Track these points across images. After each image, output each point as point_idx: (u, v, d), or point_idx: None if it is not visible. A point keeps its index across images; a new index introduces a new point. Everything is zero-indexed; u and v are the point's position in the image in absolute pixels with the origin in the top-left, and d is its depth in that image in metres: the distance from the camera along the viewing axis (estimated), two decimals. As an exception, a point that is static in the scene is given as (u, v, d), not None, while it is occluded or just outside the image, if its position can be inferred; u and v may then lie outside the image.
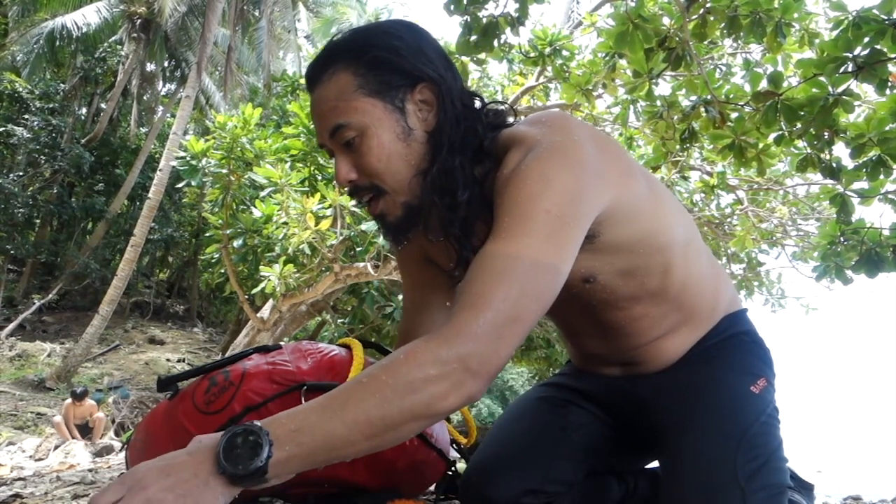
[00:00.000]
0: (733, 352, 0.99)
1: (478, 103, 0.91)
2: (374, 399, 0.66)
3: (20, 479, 2.10)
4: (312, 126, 5.27)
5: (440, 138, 0.86)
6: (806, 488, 1.18)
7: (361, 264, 5.34)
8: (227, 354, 1.75)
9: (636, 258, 0.91)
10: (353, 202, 5.08)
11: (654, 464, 1.21)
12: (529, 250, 0.73)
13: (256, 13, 15.48)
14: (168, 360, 13.26)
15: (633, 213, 0.89)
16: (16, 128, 14.05)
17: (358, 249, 5.44)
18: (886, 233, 3.01)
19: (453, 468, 1.46)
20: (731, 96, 3.01)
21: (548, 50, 4.77)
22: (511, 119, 0.92)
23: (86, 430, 7.15)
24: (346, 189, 0.90)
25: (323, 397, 0.69)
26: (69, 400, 7.48)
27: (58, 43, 13.80)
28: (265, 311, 6.66)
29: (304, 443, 0.66)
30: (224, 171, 5.85)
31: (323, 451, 0.67)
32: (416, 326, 1.06)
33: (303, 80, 7.80)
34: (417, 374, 0.67)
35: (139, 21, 14.35)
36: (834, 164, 2.70)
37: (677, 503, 0.87)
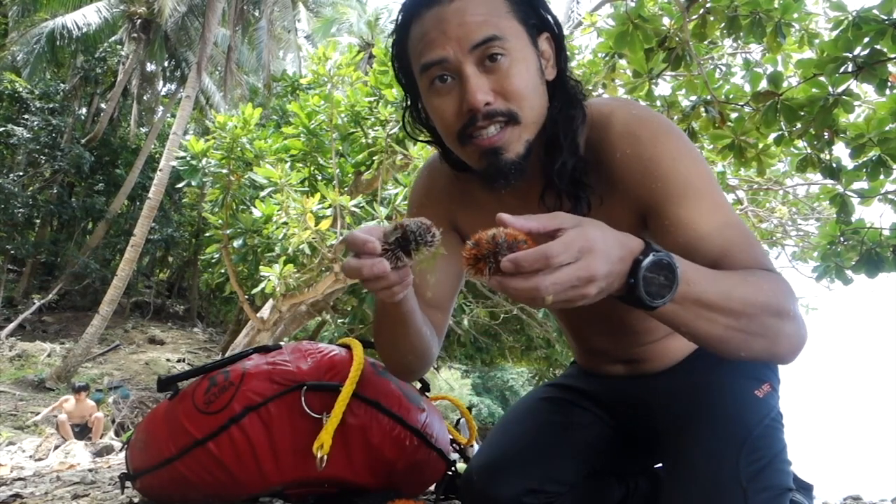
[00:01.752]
0: None
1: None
2: (748, 298, 0.71)
3: (20, 479, 2.10)
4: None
5: (563, 89, 0.86)
6: (806, 489, 1.18)
7: (361, 264, 5.34)
8: (227, 354, 1.75)
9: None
10: (353, 204, 5.07)
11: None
12: (735, 215, 0.83)
13: (256, 13, 15.48)
14: (168, 360, 13.25)
15: None
16: (16, 128, 14.06)
17: (358, 249, 5.43)
18: (886, 233, 3.01)
19: (453, 468, 1.46)
20: (731, 96, 3.01)
21: (548, 50, 4.77)
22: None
23: (85, 431, 7.15)
24: (467, 115, 0.81)
25: (709, 270, 0.71)
26: (67, 397, 7.49)
27: (58, 43, 13.81)
28: (265, 311, 6.66)
29: (688, 297, 0.67)
30: (224, 171, 5.85)
31: (692, 306, 0.68)
32: (428, 283, 1.02)
33: (302, 81, 7.78)
34: (783, 307, 0.73)
35: (139, 21, 14.36)
36: (834, 164, 2.70)
37: (679, 502, 0.87)
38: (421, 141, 1.03)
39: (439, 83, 0.82)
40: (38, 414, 8.20)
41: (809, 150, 2.73)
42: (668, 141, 0.84)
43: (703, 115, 2.93)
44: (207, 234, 6.94)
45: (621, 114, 0.87)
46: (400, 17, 0.87)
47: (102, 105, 17.01)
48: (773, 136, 2.70)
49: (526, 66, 0.81)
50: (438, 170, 1.04)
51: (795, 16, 2.54)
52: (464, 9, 0.79)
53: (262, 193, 5.38)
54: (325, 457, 1.17)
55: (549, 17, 0.86)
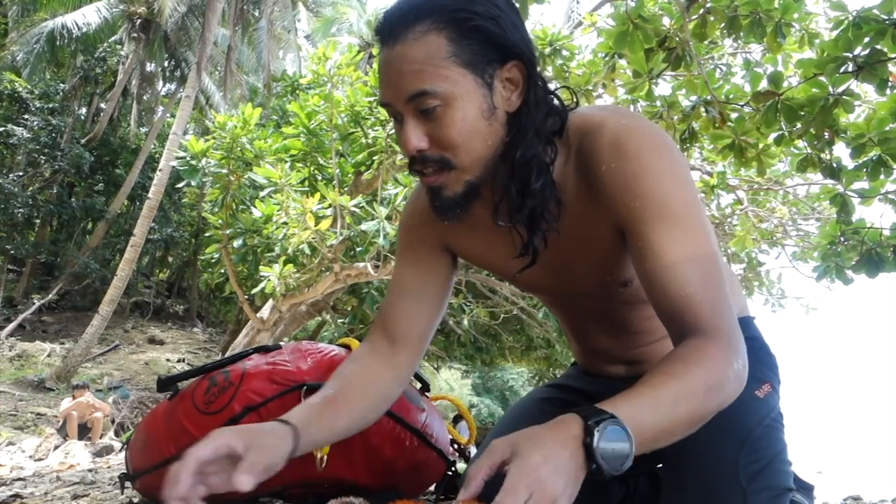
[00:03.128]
0: None
1: (551, 86, 0.89)
2: (691, 399, 0.72)
3: (20, 479, 2.10)
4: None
5: (522, 121, 0.84)
6: (806, 489, 1.18)
7: (361, 264, 5.35)
8: (227, 354, 1.75)
9: None
10: (353, 204, 5.08)
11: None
12: (708, 247, 0.81)
13: (256, 13, 15.48)
14: (168, 360, 13.25)
15: None
16: (16, 128, 14.05)
17: (358, 249, 5.44)
18: (886, 233, 3.01)
19: (453, 468, 1.46)
20: (731, 96, 3.01)
21: (548, 50, 4.76)
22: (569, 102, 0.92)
23: (85, 431, 7.16)
24: (407, 157, 0.85)
25: (643, 394, 0.72)
26: (70, 398, 7.49)
27: (58, 43, 13.81)
28: (265, 311, 6.66)
29: (646, 438, 0.69)
30: (224, 171, 5.84)
31: (651, 443, 0.70)
32: (404, 311, 1.02)
33: (302, 81, 7.79)
34: (721, 376, 0.75)
35: (139, 21, 14.36)
36: (834, 164, 2.70)
37: (679, 502, 0.86)
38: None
39: (396, 121, 0.85)
40: (38, 414, 8.20)
41: (809, 150, 2.73)
42: (654, 158, 0.82)
43: (704, 115, 2.93)
44: (207, 234, 6.94)
45: (611, 124, 0.85)
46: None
47: (102, 105, 17.01)
48: (773, 136, 2.70)
49: (462, 113, 0.80)
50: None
51: (795, 16, 2.54)
52: (402, 55, 0.79)
53: (262, 193, 5.38)
54: (325, 457, 1.17)
55: (517, 43, 0.82)
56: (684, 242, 0.79)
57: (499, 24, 0.80)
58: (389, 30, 0.81)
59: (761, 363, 0.99)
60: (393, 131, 5.38)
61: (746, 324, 1.06)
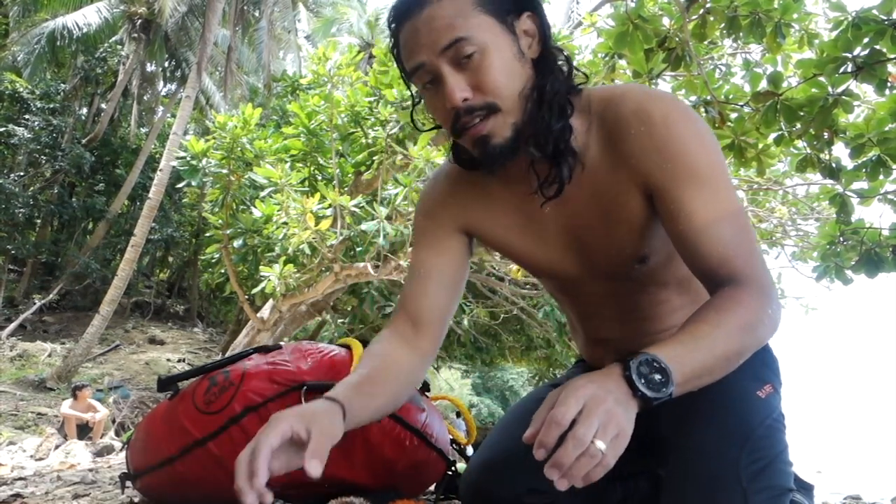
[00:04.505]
0: None
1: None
2: (727, 338, 0.78)
3: (21, 478, 2.10)
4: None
5: (545, 65, 0.89)
6: (806, 489, 1.18)
7: (361, 264, 5.35)
8: (228, 354, 1.75)
9: None
10: (353, 204, 5.08)
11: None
12: (736, 204, 0.87)
13: (256, 13, 15.49)
14: (168, 360, 13.25)
15: None
16: (16, 128, 14.05)
17: (358, 249, 5.44)
18: (886, 233, 3.00)
19: (453, 468, 1.46)
20: (731, 96, 3.01)
21: (548, 50, 4.77)
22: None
23: (86, 430, 7.16)
24: (450, 113, 0.87)
25: (678, 339, 0.77)
26: (71, 401, 7.48)
27: (58, 43, 13.81)
28: (265, 311, 6.66)
29: (685, 372, 0.74)
30: (224, 171, 5.85)
31: (693, 380, 0.76)
32: (426, 295, 1.03)
33: (302, 81, 7.77)
34: (753, 318, 0.80)
35: (139, 21, 14.36)
36: (834, 164, 2.70)
37: (679, 501, 0.87)
38: (428, 130, 1.10)
39: (429, 86, 0.88)
40: (38, 414, 8.20)
41: (809, 150, 2.73)
42: (679, 123, 0.87)
43: (703, 115, 2.93)
44: (207, 234, 6.94)
45: (634, 94, 0.90)
46: (391, 28, 0.92)
47: (103, 105, 17.01)
48: (772, 136, 2.70)
49: (499, 55, 0.85)
50: (444, 176, 1.09)
51: (795, 16, 2.54)
52: (431, 16, 0.84)
53: (262, 193, 5.38)
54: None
55: None
56: (715, 202, 0.85)
57: None
58: (413, 2, 0.86)
59: (764, 365, 1.00)
60: (393, 131, 5.41)
61: None
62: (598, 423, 0.67)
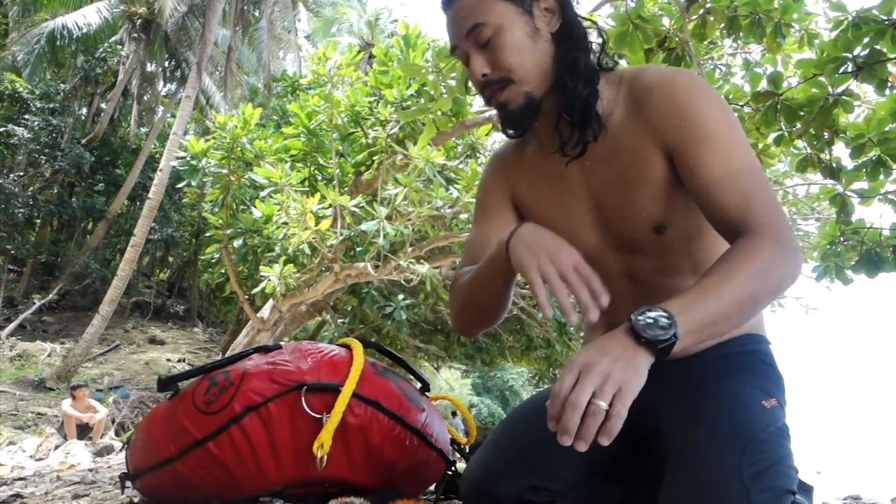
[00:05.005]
0: (751, 368, 1.00)
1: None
2: (739, 282, 0.82)
3: (21, 478, 2.10)
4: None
5: (565, 36, 1.00)
6: (806, 490, 1.18)
7: (361, 264, 5.35)
8: (228, 354, 1.75)
9: (703, 221, 0.99)
10: (353, 204, 5.08)
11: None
12: (753, 159, 0.94)
13: (256, 13, 15.48)
14: (168, 360, 13.25)
15: None
16: (16, 128, 14.05)
17: (358, 249, 5.45)
18: (886, 233, 3.00)
19: (453, 468, 1.46)
20: (731, 96, 3.01)
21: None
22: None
23: (86, 430, 7.15)
24: (478, 85, 1.01)
25: (688, 292, 0.82)
26: (70, 400, 7.48)
27: (58, 43, 13.80)
28: (265, 311, 6.66)
29: (696, 319, 0.79)
30: (224, 171, 5.85)
31: (708, 326, 0.80)
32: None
33: (302, 81, 7.78)
34: (767, 262, 0.84)
35: (139, 21, 14.36)
36: (834, 164, 2.70)
37: (679, 499, 0.87)
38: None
39: (466, 65, 1.03)
40: (38, 414, 8.19)
41: (809, 150, 2.73)
42: (700, 90, 0.96)
43: (703, 115, 2.92)
44: (207, 234, 6.95)
45: (661, 68, 1.02)
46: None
47: (103, 105, 17.01)
48: (773, 136, 2.70)
49: (510, 36, 0.97)
50: (497, 154, 1.22)
51: (795, 16, 2.54)
52: (459, 6, 1.01)
53: (262, 193, 5.38)
54: (326, 457, 1.17)
55: None
56: (730, 155, 0.92)
57: None
58: None
59: (770, 380, 1.00)
60: (393, 131, 5.42)
61: (761, 340, 1.07)
62: (594, 385, 0.72)
